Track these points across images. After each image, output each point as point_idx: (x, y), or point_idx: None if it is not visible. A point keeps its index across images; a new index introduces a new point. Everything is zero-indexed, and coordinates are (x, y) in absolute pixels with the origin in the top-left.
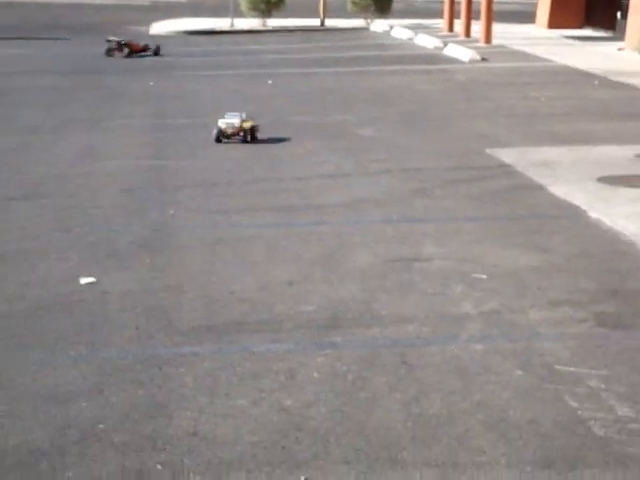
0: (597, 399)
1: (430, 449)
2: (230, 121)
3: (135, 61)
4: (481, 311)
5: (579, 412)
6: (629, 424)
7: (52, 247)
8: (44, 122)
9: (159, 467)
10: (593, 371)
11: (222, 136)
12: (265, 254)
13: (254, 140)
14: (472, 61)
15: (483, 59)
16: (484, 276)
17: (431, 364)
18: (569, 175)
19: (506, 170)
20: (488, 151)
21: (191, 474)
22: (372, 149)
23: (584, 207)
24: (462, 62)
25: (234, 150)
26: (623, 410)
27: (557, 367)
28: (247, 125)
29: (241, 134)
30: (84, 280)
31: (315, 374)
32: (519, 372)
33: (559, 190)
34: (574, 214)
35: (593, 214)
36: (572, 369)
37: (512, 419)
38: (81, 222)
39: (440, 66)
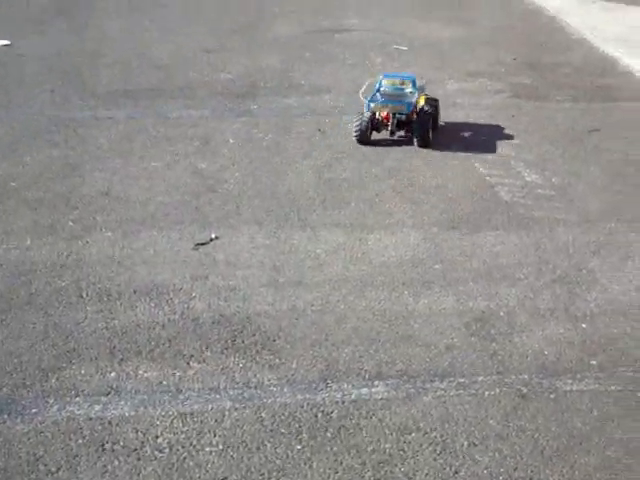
0: (507, 166)
1: (339, 212)
2: (393, 96)
3: None
4: None
5: (487, 178)
6: (535, 189)
7: None
8: None
9: (71, 224)
10: (504, 140)
11: (374, 129)
12: (182, 20)
13: (423, 144)
14: None
15: None
16: (405, 47)
17: (345, 132)
18: None
19: None
20: None
21: (102, 230)
22: None
23: None
24: None
25: None
26: (531, 176)
27: (469, 135)
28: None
29: (414, 131)
30: None
31: (230, 140)
32: None
33: None
34: None
35: None
36: (484, 138)
37: (421, 184)
38: None
39: None
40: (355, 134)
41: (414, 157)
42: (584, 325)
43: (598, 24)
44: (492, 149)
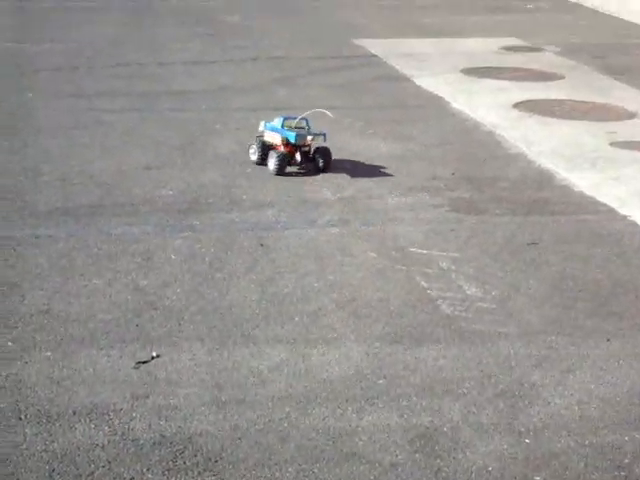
0: (447, 279)
1: (282, 326)
2: (300, 135)
3: None
4: (340, 197)
5: (428, 291)
6: (476, 303)
7: None
8: None
9: (10, 344)
10: (445, 253)
11: (288, 164)
12: (124, 139)
13: (326, 169)
14: None
15: None
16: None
17: (287, 247)
18: (434, 66)
19: (372, 60)
20: (355, 41)
21: (42, 350)
22: (238, 36)
23: (447, 98)
24: None
25: (97, 33)
26: (471, 290)
27: (410, 249)
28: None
29: (318, 162)
30: None
31: (172, 256)
32: (373, 254)
33: (424, 81)
34: (437, 104)
35: (455, 105)
36: (425, 251)
37: (363, 298)
38: None
39: None
40: (276, 167)
41: (357, 271)
42: (527, 440)
43: (535, 138)
44: (433, 263)
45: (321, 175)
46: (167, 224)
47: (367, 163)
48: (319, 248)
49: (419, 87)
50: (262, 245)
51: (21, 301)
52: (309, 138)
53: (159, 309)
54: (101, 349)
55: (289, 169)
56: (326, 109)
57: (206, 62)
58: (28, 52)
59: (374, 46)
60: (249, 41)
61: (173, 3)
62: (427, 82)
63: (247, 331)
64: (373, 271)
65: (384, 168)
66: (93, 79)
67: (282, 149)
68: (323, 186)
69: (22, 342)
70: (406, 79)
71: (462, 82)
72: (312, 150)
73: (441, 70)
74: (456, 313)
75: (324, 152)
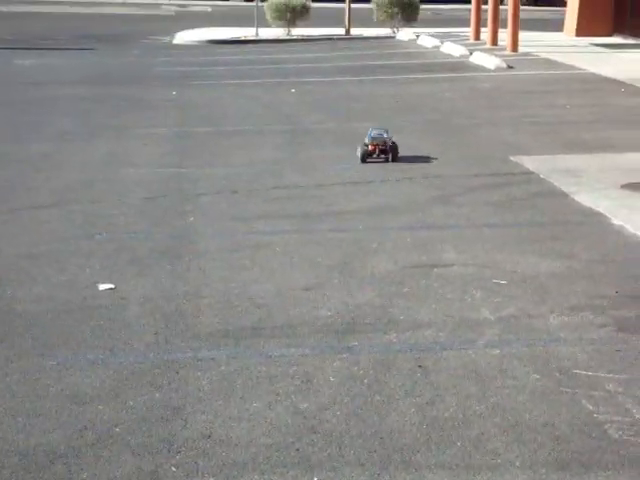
0: (614, 402)
1: (444, 452)
2: (379, 137)
3: (162, 71)
4: (500, 316)
5: (595, 415)
6: None
7: (74, 253)
8: (73, 130)
9: (173, 469)
10: (611, 375)
11: (369, 156)
12: (283, 260)
13: (395, 160)
14: (498, 69)
15: (509, 67)
16: (504, 282)
17: (447, 368)
18: (593, 182)
19: (530, 177)
20: (512, 158)
21: (205, 475)
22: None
23: (607, 214)
24: (488, 70)
25: (254, 157)
26: None
27: (575, 371)
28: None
29: (388, 154)
30: (103, 286)
31: (331, 378)
32: (536, 376)
33: (582, 197)
34: (597, 221)
35: (616, 221)
36: (590, 373)
37: (527, 422)
38: (103, 229)
39: (466, 74)
40: (359, 157)
41: (520, 394)
42: None
43: None
44: (599, 385)
45: (480, 294)
46: (325, 345)
47: (526, 281)
48: (480, 370)
49: (578, 203)
50: (421, 367)
51: (184, 425)
52: (382, 141)
53: (319, 433)
54: (263, 474)
55: (370, 159)
56: (483, 227)
57: (364, 182)
58: (190, 177)
59: (531, 162)
60: (405, 161)
61: (329, 126)
62: (586, 198)
63: (408, 456)
64: (537, 394)
65: (544, 286)
66: (252, 202)
67: (367, 147)
68: (482, 305)
69: (185, 467)
70: (564, 195)
71: (623, 198)
72: (388, 148)
73: (601, 186)
74: (625, 438)
75: (393, 149)
